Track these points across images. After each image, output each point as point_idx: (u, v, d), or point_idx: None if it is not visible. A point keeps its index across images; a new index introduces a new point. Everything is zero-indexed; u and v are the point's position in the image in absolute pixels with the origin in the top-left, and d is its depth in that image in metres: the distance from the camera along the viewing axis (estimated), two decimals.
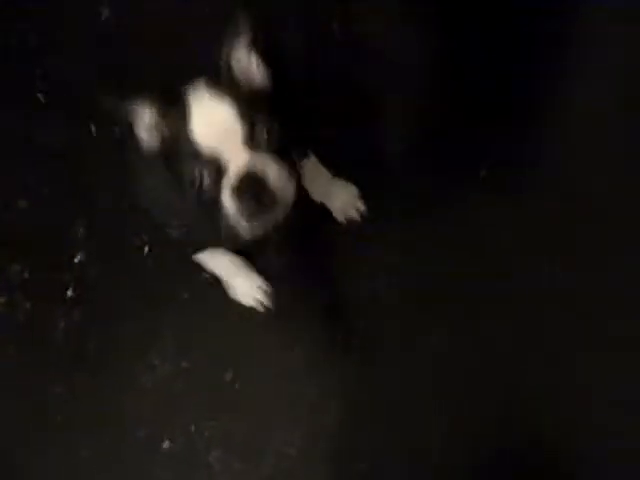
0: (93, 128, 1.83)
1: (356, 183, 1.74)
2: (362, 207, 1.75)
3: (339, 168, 1.70)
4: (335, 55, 1.84)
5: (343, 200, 1.74)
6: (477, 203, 1.73)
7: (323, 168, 1.66)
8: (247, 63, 1.24)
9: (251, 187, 1.16)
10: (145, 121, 1.20)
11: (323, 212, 1.72)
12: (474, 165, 1.76)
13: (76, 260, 1.78)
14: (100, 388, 1.71)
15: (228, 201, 1.17)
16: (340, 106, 1.79)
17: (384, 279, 1.72)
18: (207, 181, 1.17)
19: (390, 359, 1.69)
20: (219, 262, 1.69)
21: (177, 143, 1.18)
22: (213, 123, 1.16)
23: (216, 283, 1.74)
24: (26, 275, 1.78)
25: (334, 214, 1.76)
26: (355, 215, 1.76)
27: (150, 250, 1.79)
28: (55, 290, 1.78)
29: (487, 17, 1.84)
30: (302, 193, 1.45)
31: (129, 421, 1.70)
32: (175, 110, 1.19)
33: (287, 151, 1.23)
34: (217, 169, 1.17)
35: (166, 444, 1.69)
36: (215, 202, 1.19)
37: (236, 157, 1.16)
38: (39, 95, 1.88)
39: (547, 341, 1.67)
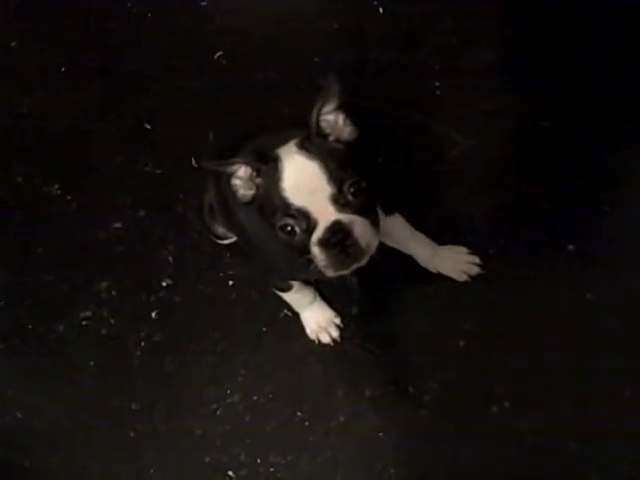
0: (193, 161, 1.96)
1: None
2: (478, 260, 1.84)
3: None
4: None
5: (455, 261, 1.82)
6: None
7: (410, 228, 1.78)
8: (336, 123, 1.34)
9: (337, 241, 1.26)
10: (241, 175, 1.33)
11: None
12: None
13: (163, 284, 1.90)
14: (173, 410, 1.81)
15: (317, 252, 1.28)
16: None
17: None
18: (298, 233, 1.28)
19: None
20: (295, 296, 1.78)
21: (270, 197, 1.29)
22: (302, 182, 1.27)
23: (294, 320, 1.83)
24: (114, 293, 1.91)
25: (452, 276, 1.83)
26: (475, 270, 1.83)
27: (233, 284, 1.88)
28: (140, 310, 1.89)
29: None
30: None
31: (197, 445, 1.78)
32: (270, 168, 1.30)
33: (374, 207, 1.35)
34: (307, 223, 1.27)
35: (230, 473, 1.76)
36: (304, 251, 1.29)
37: (324, 213, 1.27)
38: (146, 124, 2.01)
39: None
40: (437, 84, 2.03)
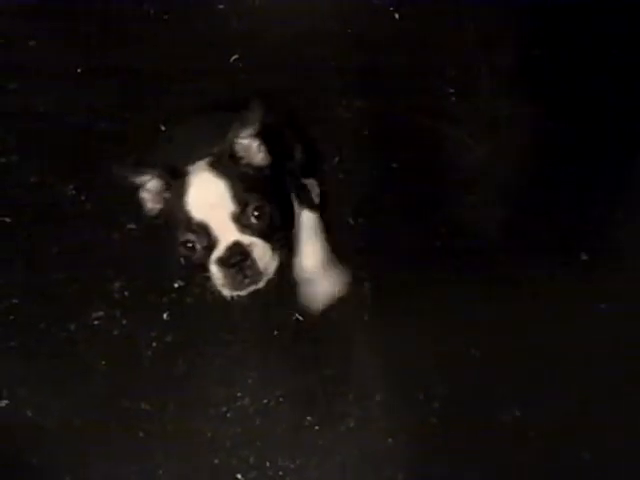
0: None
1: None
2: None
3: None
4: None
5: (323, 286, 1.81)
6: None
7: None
8: (250, 148, 1.39)
9: (236, 261, 1.32)
10: (150, 188, 1.39)
11: None
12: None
13: (175, 285, 1.93)
14: (183, 411, 1.83)
15: (215, 270, 1.34)
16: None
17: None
18: (198, 249, 1.33)
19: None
20: None
21: (175, 212, 1.34)
22: (205, 197, 1.32)
23: (306, 324, 1.87)
24: (126, 293, 1.94)
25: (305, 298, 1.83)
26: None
27: None
28: (152, 311, 1.92)
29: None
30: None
31: (206, 447, 1.81)
32: (178, 183, 1.35)
33: (277, 232, 1.38)
34: (208, 240, 1.33)
35: (238, 476, 1.79)
36: (203, 267, 1.34)
37: (225, 232, 1.32)
38: (161, 126, 2.05)
39: None
40: (452, 90, 2.04)
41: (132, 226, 1.97)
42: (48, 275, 1.96)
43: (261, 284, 1.36)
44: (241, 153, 1.37)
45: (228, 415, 1.81)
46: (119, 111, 2.11)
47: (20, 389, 1.85)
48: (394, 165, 1.98)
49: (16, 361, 1.89)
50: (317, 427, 1.78)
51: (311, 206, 1.64)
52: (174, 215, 1.32)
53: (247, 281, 1.33)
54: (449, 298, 1.85)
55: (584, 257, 1.87)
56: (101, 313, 1.90)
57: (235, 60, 2.12)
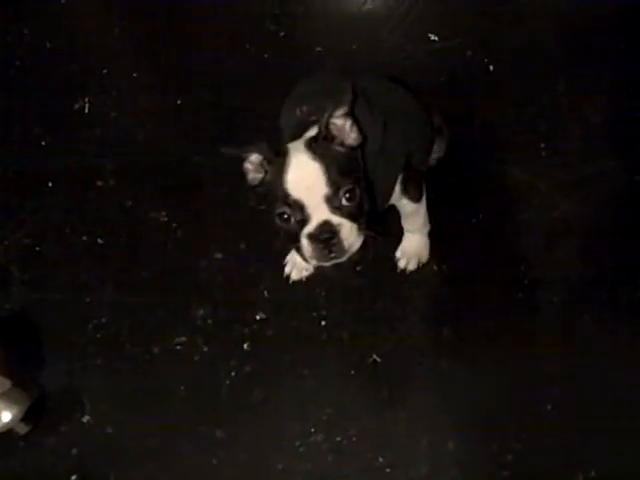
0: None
1: None
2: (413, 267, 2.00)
3: None
4: None
5: (415, 247, 2.02)
6: None
7: None
8: (343, 128, 1.50)
9: (324, 238, 1.42)
10: (253, 160, 1.51)
11: None
12: None
13: (257, 317, 2.01)
14: (256, 441, 1.89)
15: (305, 243, 1.44)
16: None
17: None
18: (292, 222, 1.44)
19: None
20: None
21: (274, 185, 1.46)
22: (303, 178, 1.44)
23: (383, 366, 1.96)
24: (210, 321, 2.03)
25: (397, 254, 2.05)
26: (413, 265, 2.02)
27: (325, 324, 1.99)
28: (233, 341, 2.00)
29: None
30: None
31: (276, 478, 1.85)
32: (279, 160, 1.46)
33: (363, 214, 1.50)
34: (301, 215, 1.44)
35: None
36: (295, 238, 1.45)
37: (317, 211, 1.44)
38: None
39: None
40: (543, 145, 2.09)
41: (219, 256, 2.06)
42: (136, 298, 2.05)
43: (344, 259, 1.47)
44: (335, 133, 1.48)
45: (300, 450, 1.86)
46: (213, 144, 2.19)
47: (102, 406, 1.93)
48: (480, 215, 2.01)
49: (100, 379, 1.98)
50: (388, 469, 1.82)
51: (412, 196, 1.76)
52: (273, 189, 1.45)
53: (332, 255, 1.45)
54: (528, 350, 1.88)
55: None
56: (184, 339, 1.99)
57: None
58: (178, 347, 1.98)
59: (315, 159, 1.44)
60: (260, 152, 1.47)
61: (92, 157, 2.26)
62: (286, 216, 1.45)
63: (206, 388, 1.95)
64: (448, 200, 1.94)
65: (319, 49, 2.30)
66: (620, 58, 2.22)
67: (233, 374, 1.94)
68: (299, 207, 1.43)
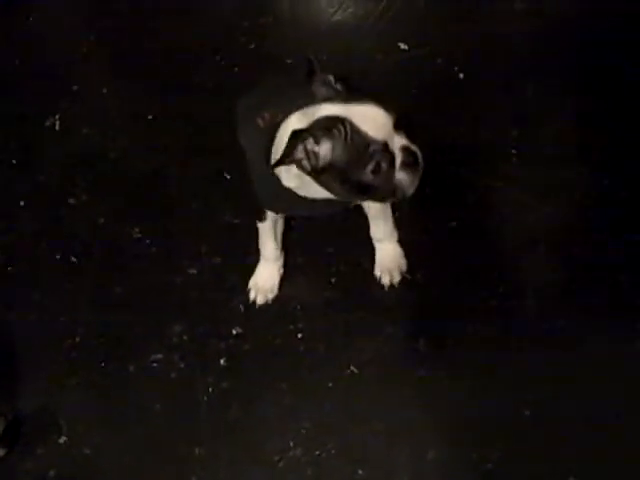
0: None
1: None
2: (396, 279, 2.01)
3: None
4: None
5: (391, 259, 2.03)
6: None
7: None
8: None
9: (415, 160, 1.48)
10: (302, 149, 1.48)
11: None
12: None
13: (234, 332, 2.01)
14: (236, 458, 1.88)
15: (402, 175, 1.50)
16: None
17: None
18: (383, 169, 1.46)
19: None
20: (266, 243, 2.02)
21: (350, 152, 1.46)
22: (373, 120, 1.47)
23: (361, 378, 1.94)
24: (185, 337, 2.02)
25: (376, 271, 2.05)
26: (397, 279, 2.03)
27: (302, 337, 1.99)
28: (209, 356, 1.99)
29: None
30: None
31: None
32: (334, 131, 1.46)
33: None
34: (389, 155, 1.47)
35: None
36: (387, 187, 1.50)
37: (395, 142, 1.47)
38: (226, 174, 2.20)
39: None
40: (514, 151, 2.11)
41: (193, 271, 2.05)
42: (110, 315, 2.04)
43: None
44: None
45: (280, 465, 1.86)
46: (186, 157, 2.19)
47: (79, 426, 1.92)
48: (453, 224, 2.02)
49: (76, 398, 1.97)
50: None
51: None
52: (350, 155, 1.46)
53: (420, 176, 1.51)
54: (503, 358, 1.89)
55: None
56: (160, 356, 1.98)
57: None
58: (154, 364, 1.97)
59: (360, 102, 1.47)
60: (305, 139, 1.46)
61: (63, 174, 2.24)
62: (378, 167, 1.46)
63: (184, 405, 1.94)
64: (420, 208, 1.94)
65: (289, 60, 2.30)
66: (588, 62, 2.23)
67: (210, 390, 1.93)
68: (385, 148, 1.45)
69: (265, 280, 2.03)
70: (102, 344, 2.02)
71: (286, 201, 1.69)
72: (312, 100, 1.51)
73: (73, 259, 2.11)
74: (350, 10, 2.41)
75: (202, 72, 2.33)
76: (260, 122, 1.62)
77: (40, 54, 2.45)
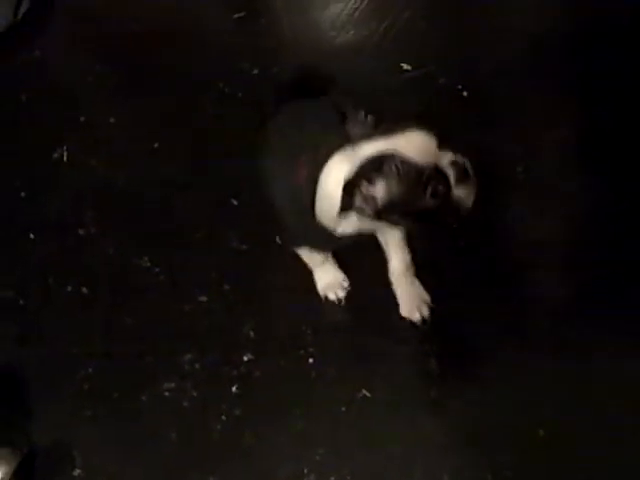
0: (278, 239, 2.10)
1: None
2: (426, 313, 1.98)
3: None
4: None
5: (413, 297, 2.00)
6: None
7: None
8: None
9: (464, 172, 1.51)
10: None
11: None
12: None
13: (245, 359, 2.02)
14: None
15: (461, 190, 1.52)
16: None
17: None
18: (440, 189, 1.48)
19: None
20: (312, 256, 1.97)
21: (407, 183, 1.47)
22: (421, 146, 1.49)
23: (373, 400, 1.94)
24: (197, 366, 2.03)
25: (402, 309, 2.01)
26: (425, 313, 1.99)
27: (313, 361, 1.99)
28: (222, 384, 2.00)
29: None
30: None
31: None
32: (385, 167, 1.48)
33: None
34: (442, 176, 1.48)
35: None
36: (447, 205, 1.50)
37: (444, 160, 1.49)
38: (233, 200, 2.19)
39: None
40: (520, 168, 2.12)
41: (203, 299, 2.07)
42: (122, 346, 2.05)
43: None
44: None
45: None
46: (192, 184, 2.21)
47: (94, 458, 1.93)
48: (463, 243, 2.03)
49: (90, 430, 1.98)
50: None
51: None
52: (407, 184, 1.47)
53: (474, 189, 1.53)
54: (516, 375, 1.88)
55: None
56: (172, 385, 1.99)
57: None
58: (167, 393, 1.98)
59: (398, 131, 1.49)
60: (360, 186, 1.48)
61: (72, 206, 2.25)
62: (436, 190, 1.48)
63: (197, 434, 1.95)
64: (427, 229, 1.95)
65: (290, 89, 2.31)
66: (589, 77, 2.23)
67: (223, 418, 1.94)
68: (437, 170, 1.48)
69: (330, 278, 2.06)
70: (115, 375, 2.03)
71: (322, 240, 1.71)
72: (347, 141, 1.52)
73: (84, 290, 2.13)
74: (352, 32, 2.42)
75: (206, 99, 2.33)
76: (300, 179, 1.61)
77: (46, 86, 2.49)
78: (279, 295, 2.06)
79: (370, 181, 1.45)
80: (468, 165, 1.51)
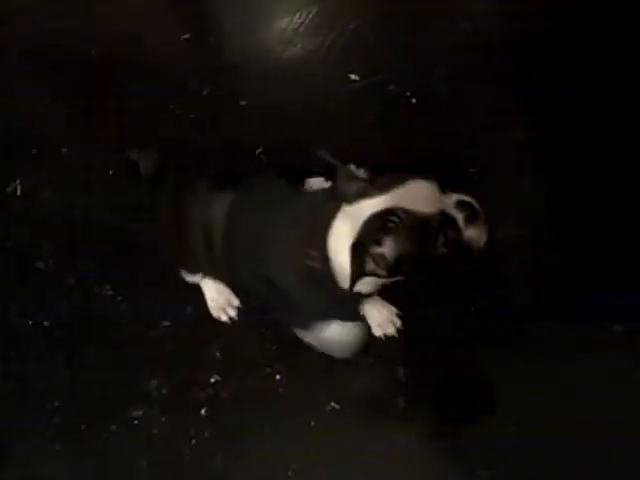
0: None
1: None
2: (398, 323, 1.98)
3: None
4: None
5: (380, 313, 1.98)
6: None
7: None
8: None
9: (472, 211, 1.46)
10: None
11: None
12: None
13: (212, 380, 2.02)
14: None
15: (474, 233, 1.46)
16: None
17: None
18: (451, 233, 1.41)
19: None
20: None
21: (416, 234, 1.40)
22: (423, 193, 1.43)
23: (342, 413, 1.96)
24: (164, 391, 2.03)
25: (371, 325, 1.99)
26: (391, 331, 2.00)
27: (280, 378, 2.00)
28: (190, 408, 2.00)
29: None
30: None
31: None
32: (396, 224, 1.41)
33: None
34: (450, 222, 1.43)
35: None
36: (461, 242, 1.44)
37: (447, 202, 1.44)
38: None
39: None
40: (473, 170, 2.14)
41: (167, 323, 2.06)
42: (88, 376, 2.04)
43: None
44: None
45: None
46: (147, 210, 2.21)
47: None
48: None
49: (61, 464, 1.97)
50: None
51: None
52: (412, 243, 1.41)
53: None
54: (483, 380, 1.89)
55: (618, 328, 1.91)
56: (140, 412, 1.99)
57: (259, 153, 2.23)
58: (136, 421, 1.98)
59: (395, 182, 1.44)
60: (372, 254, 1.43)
61: (29, 239, 2.22)
62: (446, 237, 1.44)
63: (168, 459, 1.95)
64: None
65: (243, 103, 2.32)
66: (538, 78, 2.27)
67: (194, 442, 1.94)
68: (444, 216, 1.44)
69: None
70: (81, 407, 2.02)
71: (347, 308, 1.72)
72: (342, 200, 1.46)
73: (46, 324, 2.11)
74: (299, 46, 2.43)
75: (157, 122, 2.32)
76: (312, 263, 1.55)
77: None
78: (241, 314, 2.03)
79: (377, 242, 1.38)
80: (474, 202, 1.46)
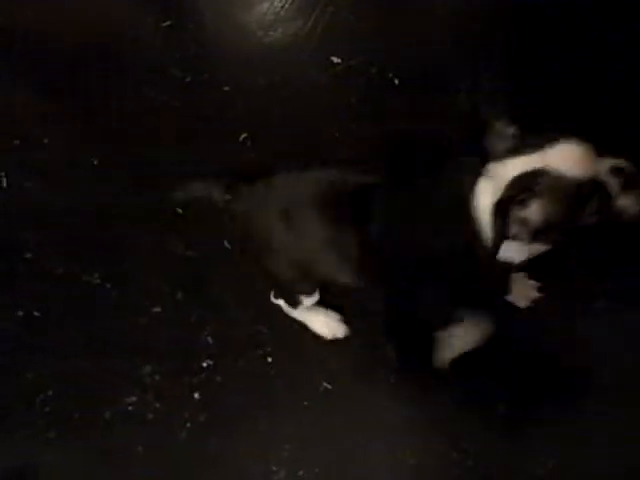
0: (226, 243, 2.12)
1: None
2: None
3: None
4: None
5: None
6: None
7: None
8: None
9: (627, 178, 1.36)
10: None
11: None
12: None
13: (204, 365, 2.04)
14: None
15: (621, 200, 1.37)
16: None
17: None
18: (602, 202, 1.35)
19: None
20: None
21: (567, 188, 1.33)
22: (573, 159, 1.34)
23: (335, 393, 1.98)
24: (157, 377, 2.05)
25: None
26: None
27: (272, 360, 2.02)
28: (183, 392, 2.02)
29: None
30: None
31: None
32: (543, 180, 1.35)
33: None
34: (601, 186, 1.36)
35: None
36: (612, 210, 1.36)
37: (601, 167, 1.36)
38: (177, 209, 2.21)
39: None
40: (458, 151, 2.16)
41: (158, 309, 2.08)
42: (80, 364, 2.05)
43: None
44: None
45: None
46: (133, 197, 2.22)
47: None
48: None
49: (56, 453, 1.99)
50: None
51: None
52: (560, 209, 1.35)
53: None
54: (474, 356, 1.93)
55: None
56: (134, 398, 2.01)
57: (244, 139, 2.24)
58: (130, 408, 2.00)
59: (546, 142, 1.39)
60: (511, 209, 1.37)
61: (16, 231, 2.23)
62: (596, 205, 1.38)
63: (163, 444, 1.97)
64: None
65: (227, 88, 2.33)
66: (520, 60, 2.30)
67: (188, 425, 1.97)
68: (596, 183, 1.38)
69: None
70: (74, 395, 2.04)
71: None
72: (491, 158, 1.41)
73: (36, 314, 2.12)
74: (280, 30, 2.44)
75: (141, 111, 2.32)
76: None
77: None
78: (232, 298, 2.06)
79: (521, 204, 1.33)
80: (633, 169, 1.36)
